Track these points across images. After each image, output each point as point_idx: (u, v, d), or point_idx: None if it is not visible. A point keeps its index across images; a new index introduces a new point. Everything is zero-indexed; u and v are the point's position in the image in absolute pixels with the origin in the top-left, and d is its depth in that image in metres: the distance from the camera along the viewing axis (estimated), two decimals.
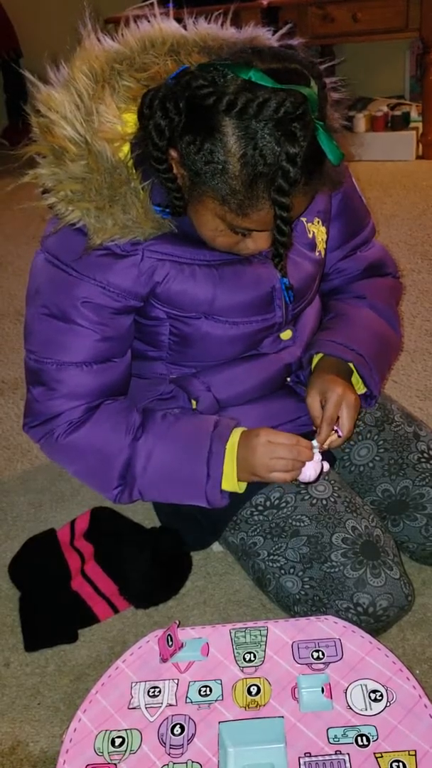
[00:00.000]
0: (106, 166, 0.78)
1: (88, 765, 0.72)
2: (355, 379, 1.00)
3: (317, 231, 0.97)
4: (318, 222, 0.98)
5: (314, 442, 0.89)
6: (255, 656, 0.81)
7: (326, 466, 0.90)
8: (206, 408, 0.96)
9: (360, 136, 2.90)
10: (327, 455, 1.03)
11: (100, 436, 0.90)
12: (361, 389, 1.00)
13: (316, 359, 1.00)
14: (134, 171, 0.79)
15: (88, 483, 0.97)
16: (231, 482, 0.89)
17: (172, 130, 0.74)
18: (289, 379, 1.02)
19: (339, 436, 0.91)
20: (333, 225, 1.03)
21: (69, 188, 0.79)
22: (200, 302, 0.88)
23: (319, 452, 0.89)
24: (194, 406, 0.97)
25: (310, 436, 0.92)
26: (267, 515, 0.94)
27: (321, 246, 0.98)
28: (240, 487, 0.90)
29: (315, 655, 0.80)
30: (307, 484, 0.92)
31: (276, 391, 1.00)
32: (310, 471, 0.88)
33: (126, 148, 0.79)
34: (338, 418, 0.91)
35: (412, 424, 1.07)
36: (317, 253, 0.97)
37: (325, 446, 0.91)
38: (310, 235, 0.96)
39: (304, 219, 0.95)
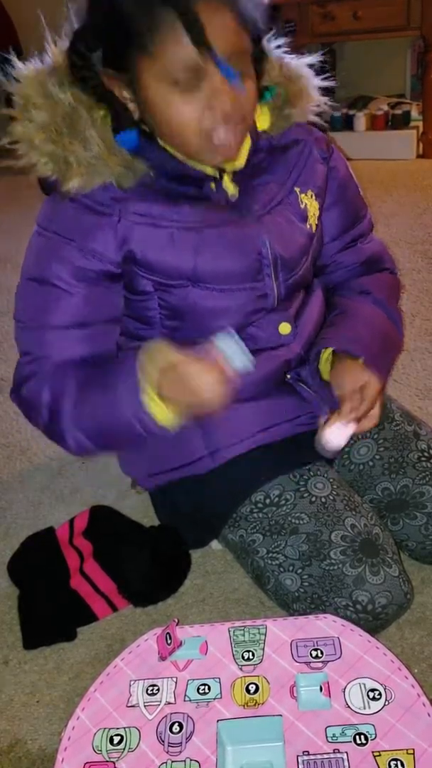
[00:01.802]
0: (65, 109, 0.83)
1: (86, 763, 0.72)
2: None
3: (309, 204, 0.98)
4: (312, 195, 0.98)
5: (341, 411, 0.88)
6: (254, 655, 0.81)
7: (351, 428, 0.87)
8: None
9: (360, 135, 2.90)
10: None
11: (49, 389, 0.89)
12: None
13: (324, 355, 0.99)
14: (96, 111, 0.84)
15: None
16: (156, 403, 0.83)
17: (86, 44, 0.81)
18: (288, 376, 1.01)
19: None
20: (330, 212, 1.03)
21: (37, 138, 0.83)
22: (183, 270, 0.88)
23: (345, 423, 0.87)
24: None
25: (309, 435, 0.91)
26: (266, 513, 0.94)
27: (313, 220, 0.98)
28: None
29: (314, 653, 0.80)
30: (332, 451, 0.90)
31: (275, 389, 1.00)
32: (339, 438, 0.86)
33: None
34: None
35: (412, 423, 1.07)
36: (308, 226, 0.97)
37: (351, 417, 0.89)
38: (302, 206, 0.96)
39: (297, 189, 0.96)
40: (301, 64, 0.95)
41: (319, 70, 0.97)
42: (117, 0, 0.77)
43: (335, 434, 0.87)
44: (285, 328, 0.98)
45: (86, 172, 0.84)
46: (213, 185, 0.89)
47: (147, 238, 0.87)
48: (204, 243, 0.88)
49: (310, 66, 0.96)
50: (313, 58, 0.97)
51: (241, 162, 0.90)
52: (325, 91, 0.98)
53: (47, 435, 0.94)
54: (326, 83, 0.97)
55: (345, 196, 1.05)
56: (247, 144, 0.90)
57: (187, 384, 0.79)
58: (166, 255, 0.88)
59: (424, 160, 2.87)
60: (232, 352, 0.79)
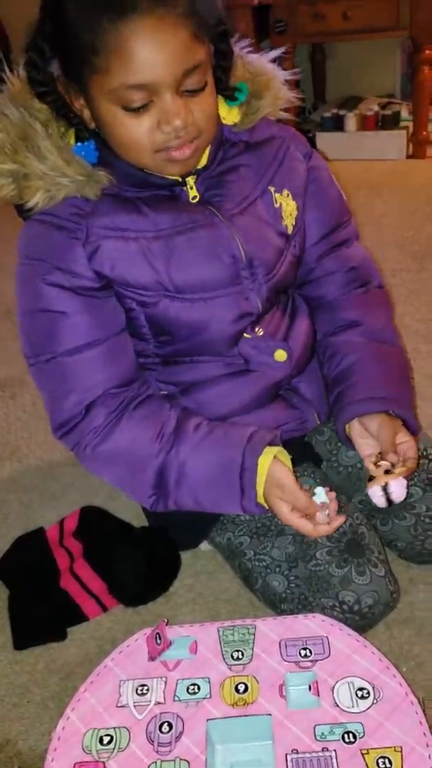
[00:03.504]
0: (20, 125, 0.82)
1: (76, 763, 0.72)
2: None
3: (285, 203, 0.96)
4: (288, 195, 0.97)
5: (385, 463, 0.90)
6: (243, 654, 0.81)
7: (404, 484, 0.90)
8: None
9: (350, 135, 2.90)
10: (314, 455, 1.03)
11: (128, 444, 0.89)
12: None
13: (349, 428, 0.97)
14: (53, 125, 0.84)
15: (124, 490, 0.95)
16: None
17: (41, 54, 0.80)
18: (281, 393, 1.02)
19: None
20: (311, 213, 1.01)
21: None
22: (156, 282, 0.88)
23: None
24: None
25: (295, 441, 0.92)
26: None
27: (289, 220, 0.97)
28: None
29: (302, 652, 0.81)
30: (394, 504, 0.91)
31: (265, 401, 1.00)
32: (400, 490, 0.88)
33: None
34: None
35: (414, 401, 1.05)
36: (283, 226, 0.96)
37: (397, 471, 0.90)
38: (277, 205, 0.95)
39: (272, 188, 0.95)
40: (264, 59, 0.94)
41: (280, 65, 0.96)
42: (64, 13, 0.74)
43: (400, 490, 0.88)
44: (281, 355, 0.98)
45: (44, 186, 0.82)
46: (181, 187, 0.89)
47: (116, 252, 0.86)
48: (174, 252, 0.87)
49: (273, 61, 0.95)
50: (275, 53, 0.96)
51: (203, 162, 0.89)
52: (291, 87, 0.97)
53: (118, 486, 0.95)
54: (291, 77, 0.96)
55: (326, 199, 1.03)
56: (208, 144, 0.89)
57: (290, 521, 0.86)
58: (138, 268, 0.87)
59: (414, 160, 2.88)
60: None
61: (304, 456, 0.99)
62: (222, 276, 0.90)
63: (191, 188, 0.90)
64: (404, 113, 2.96)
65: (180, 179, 0.88)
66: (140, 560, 1.05)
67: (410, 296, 1.83)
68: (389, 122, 2.93)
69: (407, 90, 3.09)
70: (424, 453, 1.03)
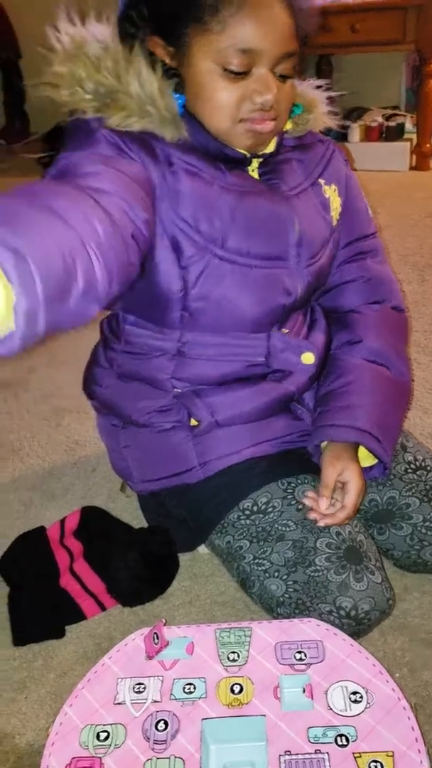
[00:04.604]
0: (120, 50, 0.85)
1: (73, 758, 0.73)
2: (364, 453, 0.99)
3: (332, 197, 1.01)
4: (335, 190, 1.02)
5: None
6: (239, 656, 0.82)
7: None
8: (204, 429, 0.98)
9: (354, 146, 2.93)
10: (313, 466, 1.05)
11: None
12: (372, 460, 1.00)
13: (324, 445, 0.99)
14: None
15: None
16: None
17: (139, 12, 0.85)
18: (291, 408, 1.04)
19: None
20: (342, 218, 1.05)
21: (84, 71, 0.84)
22: (215, 230, 0.88)
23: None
24: (194, 423, 0.98)
25: (297, 451, 0.96)
26: (254, 519, 0.96)
27: (335, 213, 1.02)
28: None
29: (297, 656, 0.82)
30: None
31: (271, 412, 1.01)
32: None
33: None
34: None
35: (399, 435, 1.08)
36: (330, 216, 1.00)
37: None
38: (326, 196, 1.00)
39: (321, 180, 1.00)
40: (309, 84, 1.02)
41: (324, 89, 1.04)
42: None
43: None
44: (308, 357, 1.00)
45: (132, 107, 0.84)
46: (246, 166, 0.93)
47: (191, 187, 0.87)
48: (240, 209, 0.89)
49: (317, 87, 1.02)
50: (320, 81, 1.03)
51: (271, 148, 0.94)
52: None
53: None
54: (331, 93, 1.03)
55: (355, 208, 1.07)
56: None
57: None
58: (204, 212, 0.88)
59: (417, 172, 2.90)
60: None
61: (304, 467, 1.01)
62: (273, 248, 0.93)
63: (253, 171, 0.94)
64: (408, 125, 2.99)
65: (248, 155, 0.91)
66: (138, 561, 1.06)
67: (412, 308, 1.85)
68: (393, 134, 2.96)
69: (411, 102, 3.12)
70: (423, 464, 1.04)
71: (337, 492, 0.94)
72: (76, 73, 0.85)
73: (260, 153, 0.93)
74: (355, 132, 2.94)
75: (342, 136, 2.94)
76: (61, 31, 0.86)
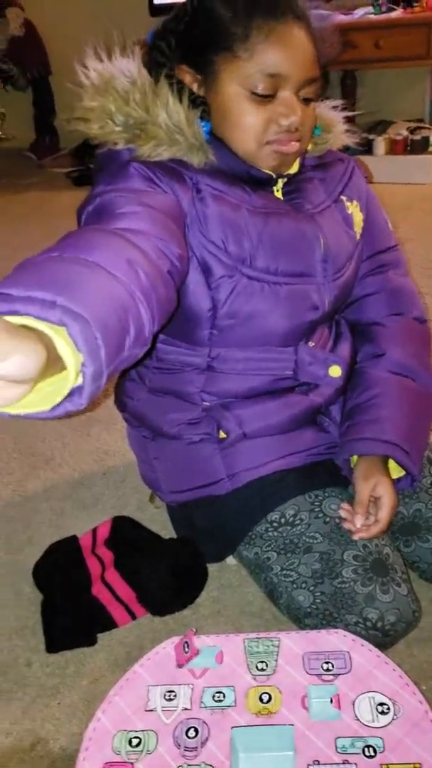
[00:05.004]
0: (147, 82, 0.90)
1: (106, 763, 0.75)
2: (392, 464, 1.00)
3: (355, 212, 1.04)
4: (356, 206, 1.04)
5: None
6: (267, 665, 0.84)
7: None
8: (232, 441, 1.00)
9: (379, 159, 2.94)
10: (341, 478, 1.06)
11: None
12: (399, 472, 1.01)
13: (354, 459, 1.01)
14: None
15: None
16: None
17: (167, 42, 0.92)
18: (318, 420, 1.05)
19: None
20: (363, 232, 1.07)
21: (113, 105, 0.88)
22: (238, 255, 0.91)
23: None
24: (222, 436, 1.00)
25: (322, 465, 0.96)
26: (281, 531, 0.98)
27: (357, 228, 1.04)
28: None
29: (325, 666, 0.83)
30: None
31: (298, 425, 1.03)
32: None
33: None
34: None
35: (427, 447, 1.08)
36: (354, 231, 1.03)
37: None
38: (349, 212, 1.02)
39: (343, 197, 1.03)
40: (327, 105, 1.05)
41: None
42: (213, 12, 0.87)
43: None
44: (335, 371, 1.02)
45: (161, 136, 0.88)
46: (271, 186, 0.96)
47: (218, 211, 0.90)
48: (267, 229, 0.92)
49: (334, 107, 1.06)
50: (336, 102, 1.06)
51: (294, 168, 0.97)
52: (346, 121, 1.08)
53: None
54: (348, 113, 1.07)
55: (376, 221, 1.10)
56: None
57: None
58: (233, 231, 0.91)
59: None
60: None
61: (331, 479, 1.02)
62: (300, 265, 0.95)
63: (278, 191, 0.97)
64: None
65: (273, 176, 0.95)
66: (168, 572, 1.08)
67: None
68: (418, 147, 2.96)
69: None
70: None
71: (369, 506, 0.96)
72: (106, 107, 0.89)
73: (284, 173, 0.96)
74: (380, 145, 2.96)
75: (366, 149, 2.95)
76: (89, 68, 0.90)
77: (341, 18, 2.57)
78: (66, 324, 0.49)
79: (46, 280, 0.52)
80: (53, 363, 0.48)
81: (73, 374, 0.50)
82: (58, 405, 0.50)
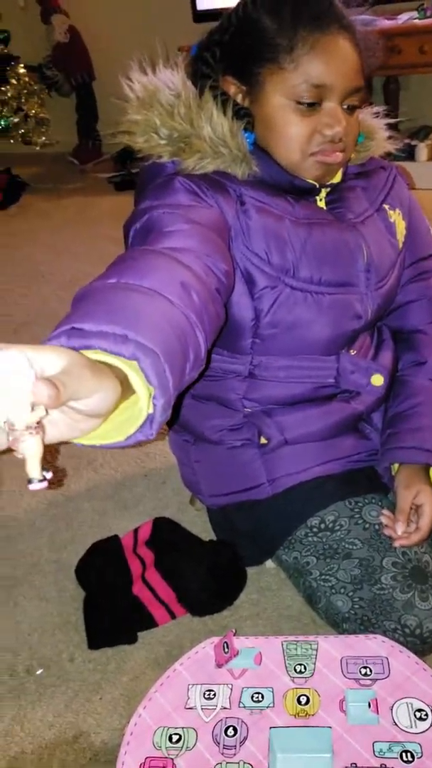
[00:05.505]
0: (191, 95, 0.91)
1: (147, 757, 0.77)
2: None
3: (397, 221, 1.04)
4: (399, 214, 1.05)
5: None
6: (305, 668, 0.85)
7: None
8: (273, 447, 1.01)
9: (421, 165, 2.92)
10: (381, 485, 1.06)
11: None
12: None
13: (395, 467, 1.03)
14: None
15: None
16: None
17: (213, 54, 0.93)
18: (359, 427, 1.06)
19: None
20: (405, 239, 1.08)
21: (158, 118, 0.90)
22: (289, 256, 0.92)
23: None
24: (263, 442, 1.01)
25: (362, 472, 0.97)
26: (321, 537, 0.99)
27: (400, 236, 1.05)
28: None
29: (363, 671, 0.84)
30: None
31: (339, 432, 1.04)
32: None
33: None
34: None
35: None
36: (396, 240, 1.03)
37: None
38: (392, 220, 1.03)
39: (386, 206, 1.03)
40: (368, 111, 1.05)
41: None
42: (259, 23, 0.88)
43: None
44: (378, 379, 1.02)
45: (205, 149, 0.89)
46: (315, 195, 0.97)
47: (262, 223, 0.91)
48: (310, 240, 0.93)
49: (375, 114, 1.06)
50: (378, 108, 1.07)
51: (337, 178, 0.98)
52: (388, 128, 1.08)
53: None
54: (389, 120, 1.07)
55: (418, 229, 1.10)
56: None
57: None
58: (277, 242, 0.91)
59: None
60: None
61: (372, 486, 1.03)
62: (343, 275, 0.96)
63: (321, 200, 0.98)
64: None
65: (317, 186, 0.96)
66: (207, 572, 1.09)
67: None
68: None
69: None
70: None
71: (411, 514, 0.96)
72: (150, 121, 0.91)
73: (328, 183, 0.97)
74: (423, 151, 2.93)
75: (408, 155, 2.93)
76: (134, 81, 0.92)
77: (385, 23, 2.56)
78: (138, 358, 0.52)
79: (114, 314, 0.54)
80: (123, 393, 0.50)
81: (145, 407, 0.52)
82: (131, 435, 0.53)
